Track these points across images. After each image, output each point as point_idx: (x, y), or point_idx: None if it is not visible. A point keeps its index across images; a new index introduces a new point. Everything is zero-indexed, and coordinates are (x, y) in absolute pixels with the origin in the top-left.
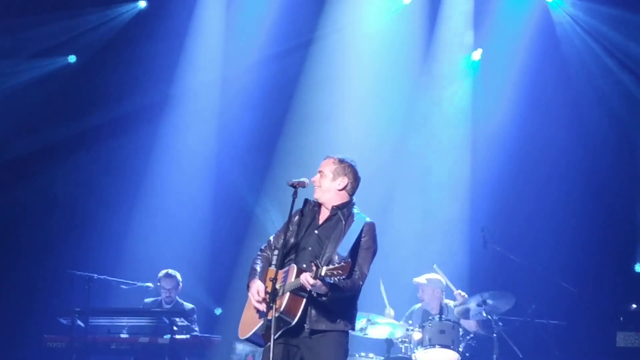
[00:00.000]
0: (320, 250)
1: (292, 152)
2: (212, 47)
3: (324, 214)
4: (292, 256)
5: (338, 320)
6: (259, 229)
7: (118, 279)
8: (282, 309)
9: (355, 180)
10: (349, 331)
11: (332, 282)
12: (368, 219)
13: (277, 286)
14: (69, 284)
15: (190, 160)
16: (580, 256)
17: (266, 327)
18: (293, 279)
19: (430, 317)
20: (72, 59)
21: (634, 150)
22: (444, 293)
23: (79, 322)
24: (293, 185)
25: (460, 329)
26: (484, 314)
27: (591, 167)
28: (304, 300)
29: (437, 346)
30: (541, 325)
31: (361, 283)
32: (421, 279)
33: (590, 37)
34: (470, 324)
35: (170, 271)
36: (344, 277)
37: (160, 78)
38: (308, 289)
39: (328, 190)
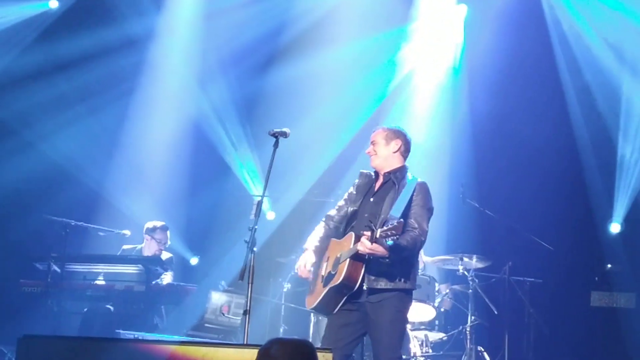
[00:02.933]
0: (377, 217)
1: (273, 103)
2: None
3: (379, 182)
4: (353, 223)
5: (397, 279)
6: (237, 180)
7: (95, 226)
8: (342, 277)
9: (407, 142)
10: (411, 289)
11: (390, 243)
12: (420, 179)
13: (338, 254)
14: (46, 229)
15: (168, 111)
16: (557, 215)
17: (328, 299)
18: (352, 246)
19: None
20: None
21: (613, 112)
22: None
23: (55, 268)
24: (274, 135)
25: (436, 284)
26: (461, 270)
27: (569, 129)
28: (364, 265)
29: (412, 300)
30: (517, 283)
31: (423, 239)
32: None
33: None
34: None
35: (164, 224)
36: (397, 236)
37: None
38: (366, 253)
39: (384, 155)
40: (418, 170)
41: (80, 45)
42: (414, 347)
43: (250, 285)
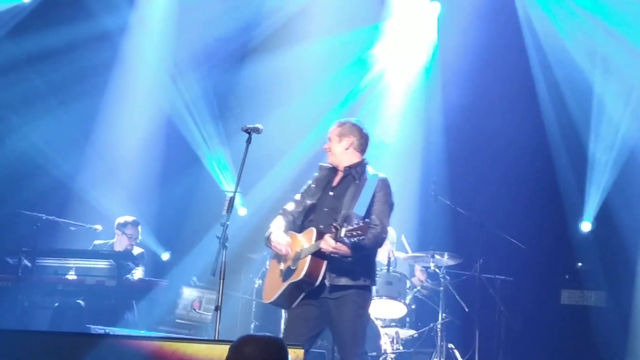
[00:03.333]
0: (337, 212)
1: (245, 99)
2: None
3: (339, 176)
4: (312, 217)
5: (358, 276)
6: (209, 175)
7: (66, 220)
8: (303, 273)
9: (361, 137)
10: (371, 286)
11: (352, 242)
12: (381, 175)
13: (298, 249)
14: (17, 223)
15: (140, 106)
16: (528, 213)
17: (287, 294)
18: (313, 241)
19: (378, 269)
20: None
21: (582, 110)
22: (394, 245)
23: (26, 262)
24: (247, 131)
25: (408, 281)
26: (432, 267)
27: (541, 128)
28: (325, 262)
29: (383, 297)
30: (488, 280)
31: (384, 236)
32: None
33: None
34: (417, 277)
35: (136, 219)
36: (363, 237)
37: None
38: (329, 252)
39: (337, 152)
40: (390, 167)
41: (53, 39)
42: (385, 344)
43: (221, 281)
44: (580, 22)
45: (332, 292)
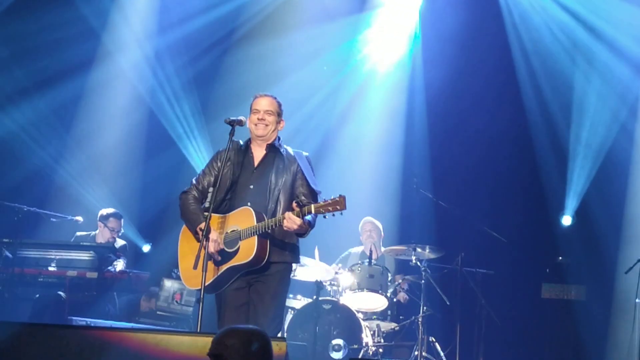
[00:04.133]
0: (266, 188)
1: (228, 93)
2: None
3: (259, 152)
4: (229, 197)
5: (287, 253)
6: (192, 168)
7: (48, 212)
8: (252, 255)
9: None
10: (293, 263)
11: (313, 218)
12: (304, 153)
13: (230, 230)
14: None
15: (124, 98)
16: (509, 207)
17: (223, 278)
18: (255, 222)
19: (359, 262)
20: None
21: (565, 106)
22: (380, 239)
23: (7, 253)
24: (230, 123)
25: (389, 274)
26: (413, 260)
27: (522, 121)
28: (268, 240)
29: (365, 290)
30: (469, 274)
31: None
32: (375, 221)
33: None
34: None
35: (117, 211)
36: (338, 211)
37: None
38: (294, 229)
39: (272, 128)
40: (372, 160)
41: (33, 28)
42: (366, 337)
43: (204, 273)
44: (560, 16)
45: (266, 270)
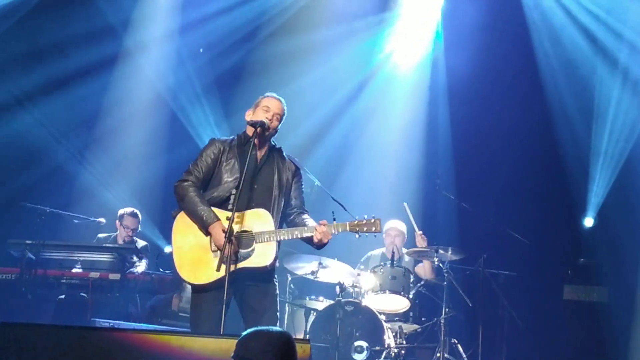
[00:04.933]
0: (269, 188)
1: (250, 92)
2: None
3: (260, 152)
4: (233, 193)
5: (276, 256)
6: None
7: (70, 213)
8: (271, 260)
9: None
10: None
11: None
12: (295, 159)
13: (241, 229)
14: (21, 216)
15: (145, 99)
16: (532, 209)
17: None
18: (273, 227)
19: (381, 264)
20: None
21: (587, 108)
22: (402, 241)
23: (30, 255)
24: (254, 125)
25: (412, 276)
26: (436, 262)
27: (546, 122)
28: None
29: (387, 292)
30: (491, 275)
31: None
32: (401, 226)
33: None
34: (425, 269)
35: (135, 210)
36: (372, 232)
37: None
38: (321, 243)
39: (275, 131)
40: (394, 162)
41: (57, 34)
42: (388, 339)
43: (227, 275)
44: (582, 19)
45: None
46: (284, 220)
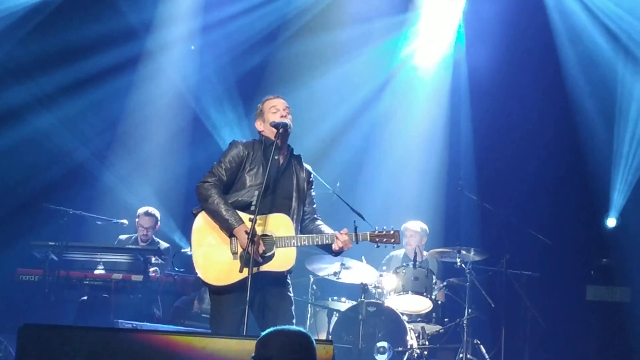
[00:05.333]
0: (289, 193)
1: (272, 92)
2: None
3: (282, 157)
4: (255, 198)
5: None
6: None
7: (93, 215)
8: (291, 265)
9: None
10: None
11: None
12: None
13: (262, 233)
14: (44, 217)
15: (167, 100)
16: (554, 209)
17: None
18: (293, 232)
19: (404, 264)
20: None
21: (609, 107)
22: (423, 241)
23: (53, 256)
24: (276, 126)
25: (434, 277)
26: (458, 262)
27: (568, 122)
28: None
29: (410, 292)
30: (514, 276)
31: None
32: (415, 226)
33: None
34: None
35: (150, 209)
36: (391, 244)
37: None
38: (342, 250)
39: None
40: (416, 162)
41: (79, 35)
42: (411, 340)
43: (250, 276)
44: (605, 20)
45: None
46: (298, 225)
